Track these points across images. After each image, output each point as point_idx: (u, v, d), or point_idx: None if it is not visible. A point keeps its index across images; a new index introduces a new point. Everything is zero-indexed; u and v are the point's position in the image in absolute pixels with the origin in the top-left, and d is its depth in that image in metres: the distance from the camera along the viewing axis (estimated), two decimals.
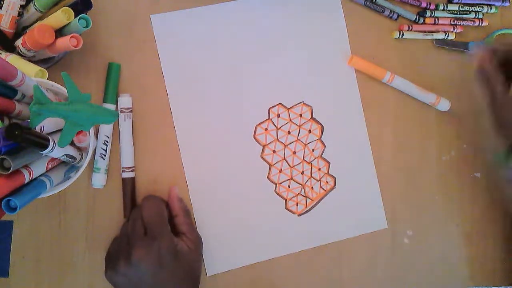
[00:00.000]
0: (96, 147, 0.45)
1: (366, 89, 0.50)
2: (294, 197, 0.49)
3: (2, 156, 0.31)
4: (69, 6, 0.39)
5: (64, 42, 0.38)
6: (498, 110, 0.43)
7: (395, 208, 0.50)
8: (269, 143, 0.49)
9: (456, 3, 0.50)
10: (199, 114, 0.48)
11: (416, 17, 0.50)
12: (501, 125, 0.44)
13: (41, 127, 0.35)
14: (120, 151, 0.46)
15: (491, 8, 0.51)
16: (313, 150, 0.49)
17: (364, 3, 0.50)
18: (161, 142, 0.47)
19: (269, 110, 0.49)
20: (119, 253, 0.42)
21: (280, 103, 0.49)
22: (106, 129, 0.46)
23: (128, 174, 0.46)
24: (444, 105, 0.50)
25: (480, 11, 0.51)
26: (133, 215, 0.44)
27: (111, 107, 0.46)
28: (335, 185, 0.50)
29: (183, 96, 0.48)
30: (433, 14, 0.50)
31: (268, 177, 0.49)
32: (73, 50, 0.39)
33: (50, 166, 0.38)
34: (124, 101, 0.46)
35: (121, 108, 0.46)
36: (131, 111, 0.47)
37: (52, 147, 0.34)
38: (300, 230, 0.49)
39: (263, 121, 0.49)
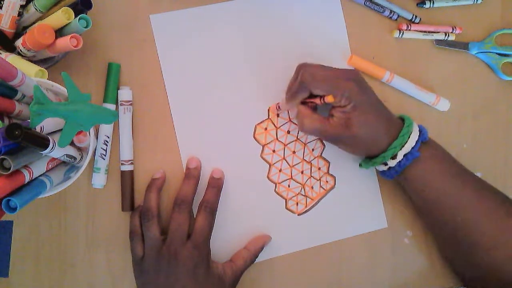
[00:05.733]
0: (96, 147, 0.45)
1: None
2: (294, 196, 0.49)
3: (2, 156, 0.32)
4: (69, 6, 0.39)
5: (64, 42, 0.38)
6: (337, 144, 0.45)
7: (395, 208, 0.50)
8: (268, 143, 0.49)
9: None
10: (198, 114, 0.48)
11: (413, 16, 0.50)
12: (348, 150, 0.45)
13: (41, 127, 0.36)
14: (119, 144, 0.46)
15: None
16: (312, 149, 0.49)
17: (364, 3, 0.50)
18: (160, 141, 0.47)
19: (268, 110, 0.49)
20: (159, 249, 0.42)
21: (279, 103, 0.49)
22: (106, 129, 0.46)
23: (127, 167, 0.46)
24: (444, 105, 0.50)
25: None
26: (181, 217, 0.44)
27: (111, 107, 0.46)
28: (335, 184, 0.50)
29: (183, 95, 0.48)
30: (432, 4, 0.50)
31: (268, 177, 0.49)
32: (73, 50, 0.39)
33: (50, 166, 0.38)
34: (124, 93, 0.46)
35: (121, 101, 0.46)
36: (131, 104, 0.47)
37: (52, 147, 0.34)
38: (300, 229, 0.49)
39: (263, 120, 0.49)
